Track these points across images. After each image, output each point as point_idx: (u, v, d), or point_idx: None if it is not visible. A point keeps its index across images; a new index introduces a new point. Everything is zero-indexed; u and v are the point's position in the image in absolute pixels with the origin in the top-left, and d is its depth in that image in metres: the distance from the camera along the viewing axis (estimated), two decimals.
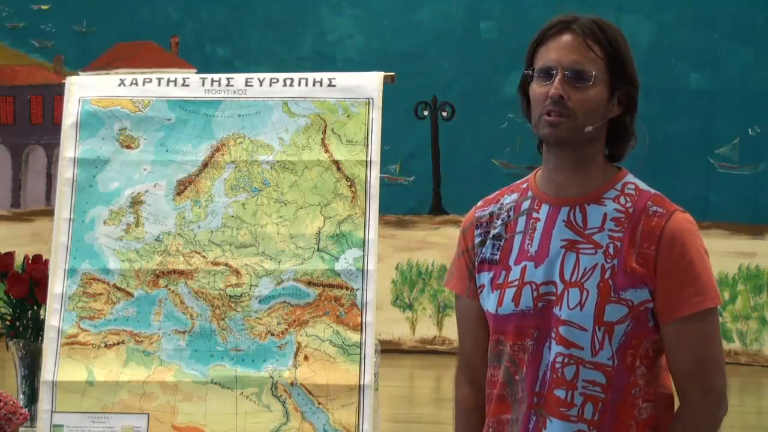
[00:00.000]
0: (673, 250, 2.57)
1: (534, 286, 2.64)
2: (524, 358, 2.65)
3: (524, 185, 2.75)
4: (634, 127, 2.67)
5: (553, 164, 2.67)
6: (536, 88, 2.63)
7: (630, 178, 2.69)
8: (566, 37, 2.62)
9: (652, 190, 2.67)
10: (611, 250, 2.59)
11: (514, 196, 2.74)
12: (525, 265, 2.66)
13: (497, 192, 2.79)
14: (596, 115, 2.61)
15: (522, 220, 2.70)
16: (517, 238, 2.69)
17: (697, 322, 2.58)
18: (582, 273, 2.61)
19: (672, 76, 10.45)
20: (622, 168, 2.70)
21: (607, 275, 2.59)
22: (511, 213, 2.72)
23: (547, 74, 2.61)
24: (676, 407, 2.69)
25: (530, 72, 2.64)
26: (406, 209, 10.75)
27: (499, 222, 2.72)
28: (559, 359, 2.61)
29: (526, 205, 2.70)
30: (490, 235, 2.72)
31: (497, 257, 2.70)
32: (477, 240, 2.74)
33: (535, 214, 2.68)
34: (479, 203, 2.81)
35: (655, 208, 2.62)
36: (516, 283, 2.66)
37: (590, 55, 2.60)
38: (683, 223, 2.61)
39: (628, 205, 2.63)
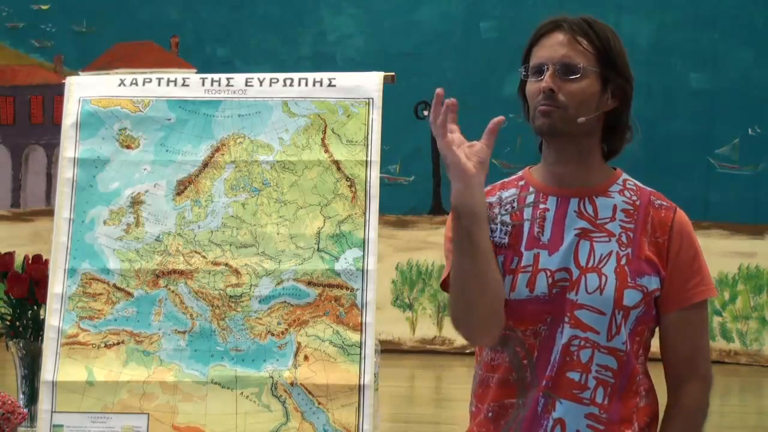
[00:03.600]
0: (683, 240, 2.71)
1: (548, 273, 2.70)
2: (535, 343, 2.71)
3: (521, 182, 2.82)
4: (629, 121, 2.76)
5: (554, 158, 2.75)
6: (530, 86, 2.73)
7: (626, 176, 2.81)
8: (556, 35, 2.72)
9: (648, 188, 2.81)
10: (624, 239, 2.70)
11: (513, 190, 2.81)
12: (538, 253, 2.72)
13: (489, 187, 2.84)
14: (588, 106, 2.69)
15: (528, 211, 2.76)
16: (526, 225, 2.75)
17: (699, 311, 2.73)
18: (598, 259, 2.70)
19: (672, 76, 10.45)
20: (617, 167, 2.81)
21: (623, 261, 2.68)
22: (515, 204, 2.78)
23: (539, 71, 2.71)
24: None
25: (525, 72, 2.74)
26: (406, 209, 10.75)
27: (503, 211, 2.78)
28: (575, 342, 2.68)
29: (530, 198, 2.77)
30: (497, 221, 2.77)
31: (506, 241, 2.75)
32: None
33: (542, 206, 2.75)
34: None
35: (659, 201, 2.76)
36: (530, 269, 2.72)
37: (579, 48, 2.69)
38: (686, 217, 2.76)
39: (634, 198, 2.76)
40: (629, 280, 2.67)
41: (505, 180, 2.85)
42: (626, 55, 2.74)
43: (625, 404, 2.69)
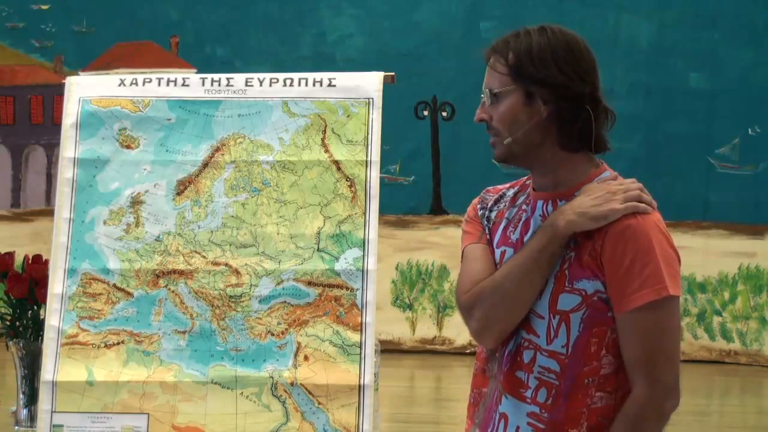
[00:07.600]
0: (618, 245, 2.63)
1: None
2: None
3: (527, 181, 2.88)
4: (579, 115, 2.69)
5: (528, 170, 2.83)
6: None
7: (605, 174, 2.76)
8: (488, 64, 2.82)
9: None
10: (572, 243, 2.69)
11: (517, 188, 2.89)
12: (504, 250, 2.79)
13: (503, 185, 2.93)
14: (516, 125, 2.72)
15: (513, 210, 2.82)
16: (503, 224, 2.82)
17: (647, 314, 2.63)
18: None
19: (672, 76, 10.45)
20: (602, 164, 2.77)
21: (565, 266, 2.69)
22: (507, 203, 2.85)
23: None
24: None
25: None
26: (406, 209, 10.75)
27: (495, 207, 2.86)
28: (523, 342, 2.73)
29: (521, 198, 2.84)
30: (485, 218, 2.86)
31: (488, 236, 2.84)
32: (480, 212, 2.88)
33: (524, 207, 2.81)
34: (486, 190, 2.95)
35: None
36: (498, 266, 2.79)
37: (494, 73, 2.78)
38: (632, 222, 2.66)
39: None
40: (566, 284, 2.68)
41: (521, 179, 2.91)
42: (560, 58, 2.68)
43: (571, 405, 2.68)
